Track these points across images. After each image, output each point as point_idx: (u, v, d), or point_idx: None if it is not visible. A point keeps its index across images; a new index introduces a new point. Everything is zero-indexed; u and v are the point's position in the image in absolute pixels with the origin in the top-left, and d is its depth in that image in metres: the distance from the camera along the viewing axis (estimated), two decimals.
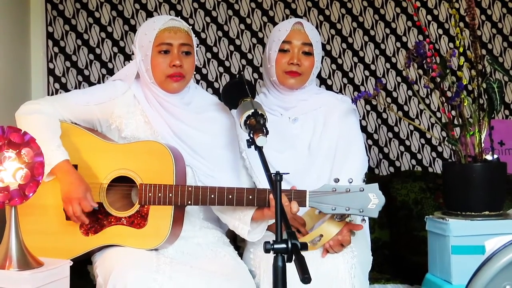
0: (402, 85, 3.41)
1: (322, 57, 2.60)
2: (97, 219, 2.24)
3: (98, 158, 2.27)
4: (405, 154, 3.42)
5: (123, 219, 2.23)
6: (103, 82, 3.14)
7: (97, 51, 3.36)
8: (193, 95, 2.43)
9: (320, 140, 2.47)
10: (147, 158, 2.22)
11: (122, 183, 2.26)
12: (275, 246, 1.49)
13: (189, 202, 2.19)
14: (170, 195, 2.18)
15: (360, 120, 2.62)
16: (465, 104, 2.39)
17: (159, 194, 2.19)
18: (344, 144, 2.45)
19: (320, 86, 2.63)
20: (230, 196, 2.17)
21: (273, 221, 2.20)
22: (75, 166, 2.27)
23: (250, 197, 2.17)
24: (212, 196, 2.18)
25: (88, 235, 2.24)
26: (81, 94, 2.40)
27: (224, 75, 3.39)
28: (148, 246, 2.19)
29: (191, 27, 2.40)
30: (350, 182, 2.10)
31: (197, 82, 3.32)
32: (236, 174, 2.40)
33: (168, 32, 2.31)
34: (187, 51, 2.33)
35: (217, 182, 2.31)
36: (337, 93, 2.84)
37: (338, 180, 2.11)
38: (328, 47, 3.37)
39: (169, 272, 2.08)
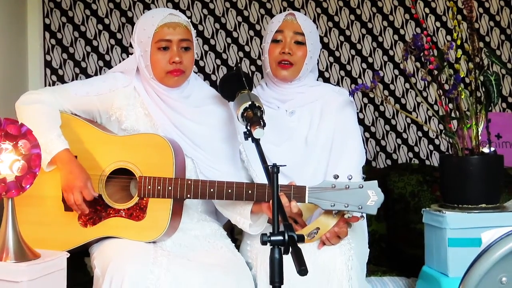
0: (399, 78, 3.41)
1: (321, 50, 2.58)
2: (95, 210, 2.24)
3: (98, 149, 2.27)
4: (402, 147, 3.42)
5: (122, 211, 2.23)
6: (100, 74, 3.14)
7: (94, 43, 3.35)
8: (192, 88, 2.42)
9: (317, 132, 2.46)
10: (147, 151, 2.22)
11: (121, 175, 2.26)
12: (272, 238, 1.49)
13: (188, 196, 2.19)
14: (170, 188, 2.18)
15: (358, 113, 2.63)
16: (462, 97, 2.39)
17: (158, 187, 2.18)
18: (341, 137, 2.45)
19: (317, 79, 2.62)
20: (229, 190, 2.17)
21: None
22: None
23: (250, 191, 2.16)
24: (212, 190, 2.18)
25: (86, 226, 2.24)
26: (81, 85, 2.39)
27: (222, 68, 3.39)
28: (146, 239, 2.19)
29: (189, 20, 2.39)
30: (350, 179, 2.09)
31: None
32: (235, 167, 2.40)
33: (167, 28, 2.29)
34: (187, 47, 2.32)
35: (217, 173, 2.31)
36: (335, 85, 2.84)
37: (338, 176, 2.11)
38: (325, 40, 3.36)
39: (167, 265, 2.09)
